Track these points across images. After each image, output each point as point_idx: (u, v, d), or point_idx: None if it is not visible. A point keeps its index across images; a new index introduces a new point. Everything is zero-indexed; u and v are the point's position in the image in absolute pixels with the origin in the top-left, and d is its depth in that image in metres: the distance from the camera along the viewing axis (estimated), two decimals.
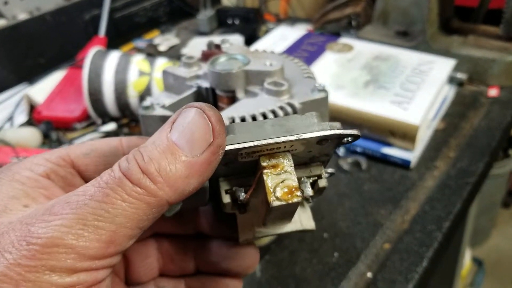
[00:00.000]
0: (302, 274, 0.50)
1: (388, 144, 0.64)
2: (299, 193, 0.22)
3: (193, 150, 0.20)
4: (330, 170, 0.27)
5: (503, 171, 1.47)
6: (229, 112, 0.42)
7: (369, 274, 0.50)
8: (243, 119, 0.41)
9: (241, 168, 0.24)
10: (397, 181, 0.61)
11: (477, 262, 1.57)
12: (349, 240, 0.54)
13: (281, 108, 0.42)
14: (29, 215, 0.19)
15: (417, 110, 0.62)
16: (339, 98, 0.65)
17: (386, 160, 0.64)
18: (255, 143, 0.22)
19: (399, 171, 0.63)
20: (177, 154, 0.20)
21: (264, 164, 0.23)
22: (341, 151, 0.66)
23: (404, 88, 0.67)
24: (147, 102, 0.44)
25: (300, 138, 0.22)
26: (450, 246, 0.82)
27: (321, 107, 0.45)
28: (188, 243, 0.29)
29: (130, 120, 0.75)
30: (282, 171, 0.22)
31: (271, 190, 0.22)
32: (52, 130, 0.72)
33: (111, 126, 0.74)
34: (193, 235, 0.29)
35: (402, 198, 0.58)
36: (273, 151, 0.23)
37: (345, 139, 0.23)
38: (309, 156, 0.24)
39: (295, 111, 0.43)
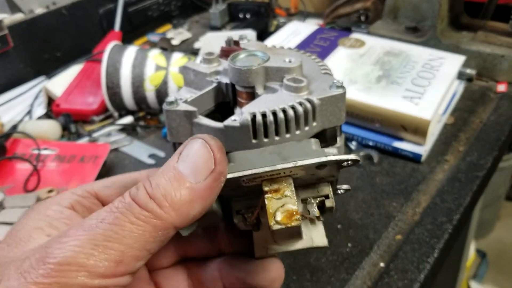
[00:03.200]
0: (317, 263, 0.52)
1: (400, 138, 0.65)
2: (298, 217, 0.23)
3: (197, 177, 0.22)
4: (345, 186, 0.28)
5: (508, 165, 1.47)
6: (250, 108, 0.44)
7: (381, 264, 0.51)
8: (264, 115, 0.43)
9: (251, 190, 0.25)
10: (409, 174, 0.63)
11: (481, 254, 1.58)
12: (362, 231, 0.55)
13: (300, 104, 0.44)
14: (49, 240, 0.21)
15: (429, 105, 0.64)
16: (352, 93, 0.67)
17: (397, 154, 0.66)
18: (253, 171, 0.23)
19: (410, 165, 0.64)
20: (182, 181, 0.22)
21: (266, 188, 0.24)
22: (353, 144, 0.68)
23: (416, 84, 0.68)
24: (171, 97, 0.45)
25: (296, 165, 0.23)
26: (458, 238, 0.83)
27: (338, 102, 0.47)
28: (214, 264, 0.30)
29: (146, 113, 0.77)
30: (283, 196, 0.24)
31: (272, 214, 0.23)
32: (71, 122, 0.73)
33: (128, 119, 0.75)
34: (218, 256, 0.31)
35: (413, 191, 0.60)
36: (274, 176, 0.24)
37: (345, 163, 0.24)
38: (315, 177, 0.25)
39: (314, 107, 0.44)
